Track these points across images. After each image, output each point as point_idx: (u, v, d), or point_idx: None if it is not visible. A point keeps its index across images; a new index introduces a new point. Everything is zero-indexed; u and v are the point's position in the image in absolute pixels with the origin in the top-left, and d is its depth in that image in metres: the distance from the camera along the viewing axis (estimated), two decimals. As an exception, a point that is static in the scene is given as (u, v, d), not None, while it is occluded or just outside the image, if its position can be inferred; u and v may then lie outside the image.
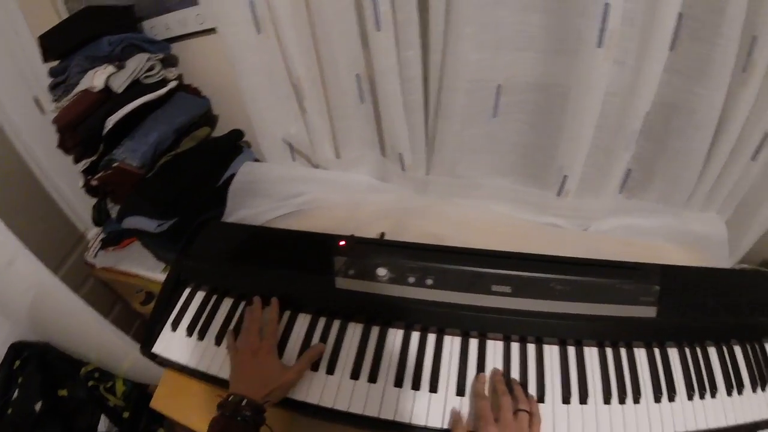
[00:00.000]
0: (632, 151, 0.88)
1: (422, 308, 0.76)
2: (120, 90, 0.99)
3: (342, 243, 0.81)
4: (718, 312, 0.76)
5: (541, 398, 0.69)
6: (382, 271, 0.77)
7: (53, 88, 1.06)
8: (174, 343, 0.81)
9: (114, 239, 1.24)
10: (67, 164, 1.10)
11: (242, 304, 0.84)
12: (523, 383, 0.71)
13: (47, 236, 1.21)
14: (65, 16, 1.12)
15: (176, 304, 0.85)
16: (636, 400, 0.69)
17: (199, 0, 0.96)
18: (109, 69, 0.99)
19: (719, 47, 0.71)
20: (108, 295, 1.43)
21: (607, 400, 0.69)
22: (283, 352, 0.76)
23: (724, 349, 0.75)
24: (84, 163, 1.05)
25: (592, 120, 0.82)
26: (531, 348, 0.74)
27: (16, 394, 1.01)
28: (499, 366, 0.73)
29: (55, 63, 1.06)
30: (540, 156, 0.93)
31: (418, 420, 0.68)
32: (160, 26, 1.07)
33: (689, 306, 0.76)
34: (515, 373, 0.72)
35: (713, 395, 0.70)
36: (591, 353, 0.74)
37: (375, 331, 0.77)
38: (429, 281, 0.76)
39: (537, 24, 0.78)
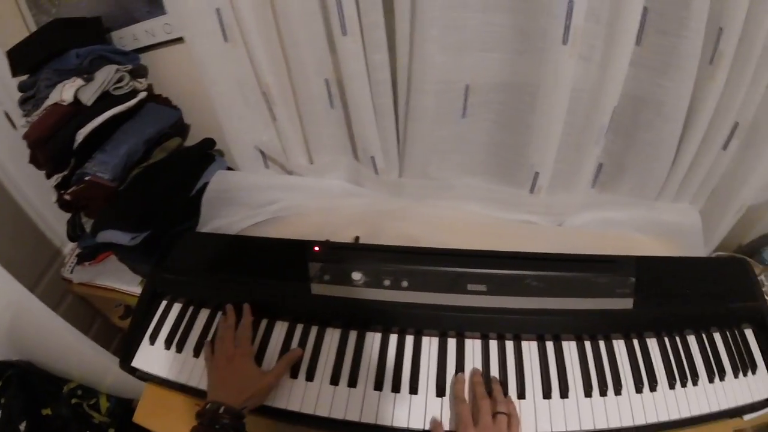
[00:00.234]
0: (602, 145, 0.89)
1: (399, 310, 0.76)
2: (89, 102, 0.97)
3: (316, 249, 0.81)
4: (696, 300, 0.77)
5: (521, 394, 0.70)
6: (357, 275, 0.77)
7: (23, 102, 1.04)
8: (153, 357, 0.80)
9: (90, 254, 1.22)
10: (40, 179, 1.08)
11: (219, 315, 0.83)
12: (503, 381, 0.71)
13: (22, 253, 1.19)
14: (34, 29, 1.10)
15: (153, 317, 0.84)
16: (617, 392, 0.70)
17: (167, 9, 0.95)
18: (78, 82, 0.97)
19: (685, 40, 0.71)
20: (87, 311, 1.40)
21: (588, 393, 0.70)
22: (261, 360, 0.76)
23: (704, 336, 0.76)
24: (56, 178, 1.03)
25: (560, 116, 0.82)
26: (509, 345, 0.75)
27: (-1, 415, 0.99)
28: (478, 364, 0.73)
29: (24, 77, 1.04)
30: (511, 154, 0.93)
31: (400, 422, 0.68)
32: (128, 37, 1.05)
33: (666, 296, 0.76)
34: (495, 371, 0.72)
35: (695, 383, 0.71)
36: (570, 347, 0.74)
37: (353, 336, 0.77)
38: (404, 283, 0.76)
39: (502, 24, 0.78)
